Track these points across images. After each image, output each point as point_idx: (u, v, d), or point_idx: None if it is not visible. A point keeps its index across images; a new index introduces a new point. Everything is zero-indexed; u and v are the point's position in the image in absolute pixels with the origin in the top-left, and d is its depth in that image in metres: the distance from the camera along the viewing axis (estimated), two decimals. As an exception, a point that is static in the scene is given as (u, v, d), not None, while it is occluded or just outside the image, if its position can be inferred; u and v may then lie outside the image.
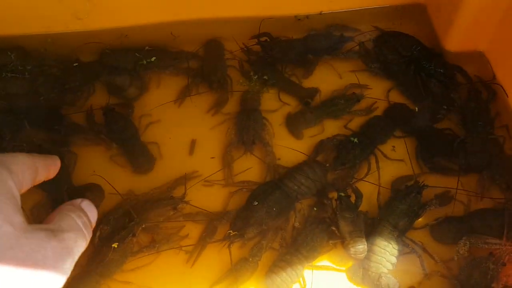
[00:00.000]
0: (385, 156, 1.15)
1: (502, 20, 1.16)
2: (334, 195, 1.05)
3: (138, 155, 1.17)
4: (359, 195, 1.04)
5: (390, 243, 0.97)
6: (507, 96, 1.17)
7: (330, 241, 1.01)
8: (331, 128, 1.21)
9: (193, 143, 1.19)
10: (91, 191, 1.05)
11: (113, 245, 0.95)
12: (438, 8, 1.29)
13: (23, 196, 0.43)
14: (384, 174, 1.12)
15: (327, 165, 1.10)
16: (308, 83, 1.28)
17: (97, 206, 1.04)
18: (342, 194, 1.01)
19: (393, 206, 1.02)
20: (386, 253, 0.96)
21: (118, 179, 1.12)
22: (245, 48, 1.30)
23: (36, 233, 0.39)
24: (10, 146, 1.11)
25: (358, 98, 1.20)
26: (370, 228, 1.01)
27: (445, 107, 1.21)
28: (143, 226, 1.00)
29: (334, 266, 1.01)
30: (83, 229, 0.44)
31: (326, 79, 1.29)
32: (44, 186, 1.08)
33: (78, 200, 0.47)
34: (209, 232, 1.04)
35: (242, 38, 1.31)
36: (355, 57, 1.29)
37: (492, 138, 1.15)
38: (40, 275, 0.37)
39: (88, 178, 1.12)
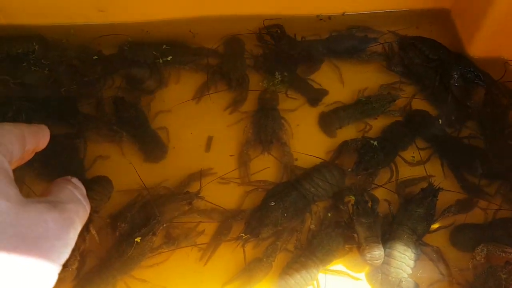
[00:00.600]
0: (406, 161, 1.13)
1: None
2: (351, 199, 1.03)
3: (150, 142, 1.17)
4: (375, 201, 1.02)
5: (409, 248, 0.96)
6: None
7: (346, 246, 0.99)
8: (352, 131, 1.20)
9: (209, 140, 1.19)
10: (99, 184, 1.05)
11: (136, 239, 0.95)
12: (463, 13, 1.27)
13: (32, 187, 0.42)
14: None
15: (349, 169, 1.09)
16: (330, 83, 1.27)
17: (106, 199, 1.05)
18: (359, 199, 0.99)
19: (410, 210, 1.01)
20: (406, 257, 0.95)
21: (130, 172, 1.13)
22: (259, 34, 1.29)
23: (35, 206, 0.37)
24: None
25: (393, 98, 1.18)
26: (388, 233, 1.00)
27: (453, 117, 1.19)
28: (164, 225, 0.99)
29: (348, 271, 1.00)
30: (83, 202, 0.43)
31: (349, 79, 1.28)
32: (56, 178, 1.08)
33: (68, 177, 0.45)
34: (224, 230, 1.03)
35: (263, 36, 1.31)
36: (378, 59, 1.28)
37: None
38: (44, 248, 0.36)
39: (99, 171, 1.12)
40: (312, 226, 1.02)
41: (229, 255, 1.01)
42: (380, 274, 0.96)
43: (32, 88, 1.21)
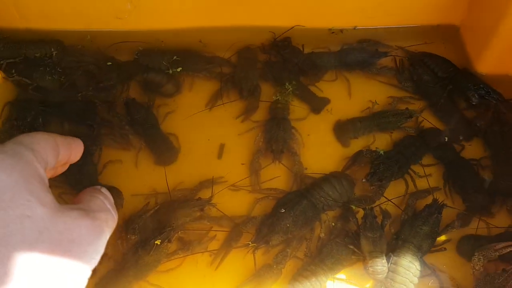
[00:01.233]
0: (416, 175, 1.15)
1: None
2: (360, 211, 1.05)
3: (160, 144, 1.19)
4: (386, 216, 1.04)
5: (414, 264, 0.97)
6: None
7: (353, 256, 1.01)
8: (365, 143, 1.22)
9: (221, 147, 1.21)
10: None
11: (155, 242, 0.97)
12: (472, 30, 1.30)
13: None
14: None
15: (363, 180, 1.11)
16: (339, 94, 1.30)
17: (118, 208, 1.06)
18: (368, 213, 1.01)
19: (416, 227, 1.02)
20: (410, 274, 0.96)
21: (143, 176, 1.15)
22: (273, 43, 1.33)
23: (69, 212, 0.38)
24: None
25: (411, 114, 1.20)
26: (393, 249, 1.02)
27: (461, 137, 1.21)
28: (179, 233, 1.01)
29: (355, 282, 1.02)
30: (112, 211, 0.44)
31: (358, 91, 1.30)
32: (71, 181, 1.11)
33: (97, 186, 0.47)
34: (234, 236, 1.05)
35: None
36: (388, 74, 1.30)
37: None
38: (77, 253, 0.37)
39: (112, 175, 1.15)
40: (322, 235, 1.04)
41: (239, 261, 1.03)
42: (384, 289, 0.98)
43: (48, 91, 1.24)
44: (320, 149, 1.21)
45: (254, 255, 1.01)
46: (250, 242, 1.02)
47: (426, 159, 1.18)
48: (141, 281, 0.97)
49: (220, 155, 1.20)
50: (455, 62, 1.32)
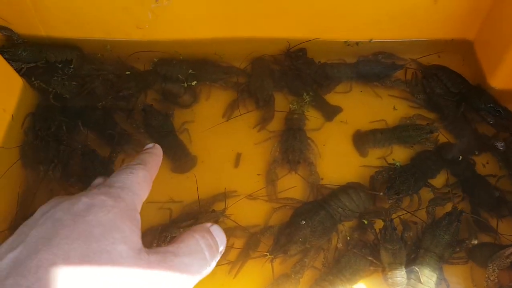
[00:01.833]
0: (434, 188, 1.16)
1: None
2: (379, 222, 1.06)
3: (177, 151, 1.20)
4: (407, 229, 1.05)
5: (435, 273, 0.98)
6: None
7: (371, 267, 1.02)
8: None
9: (238, 156, 1.23)
10: None
11: None
12: (487, 45, 1.32)
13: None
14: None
15: (381, 193, 1.12)
16: (354, 105, 1.32)
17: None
18: (388, 225, 1.02)
19: (438, 237, 1.03)
20: (432, 282, 0.97)
21: (160, 184, 1.16)
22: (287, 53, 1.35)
23: (147, 256, 0.39)
24: (66, 150, 1.15)
25: (431, 130, 1.21)
26: (415, 257, 1.03)
27: (476, 152, 1.22)
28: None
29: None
30: (205, 252, 0.43)
31: (371, 103, 1.32)
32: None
33: (208, 224, 0.46)
34: (252, 245, 1.06)
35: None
36: (401, 86, 1.32)
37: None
38: None
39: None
40: (340, 245, 1.05)
41: (257, 270, 1.03)
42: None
43: (67, 98, 1.26)
44: (335, 159, 1.22)
45: (272, 265, 1.02)
46: (267, 253, 1.03)
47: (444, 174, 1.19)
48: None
49: (236, 164, 1.22)
50: (468, 76, 1.34)
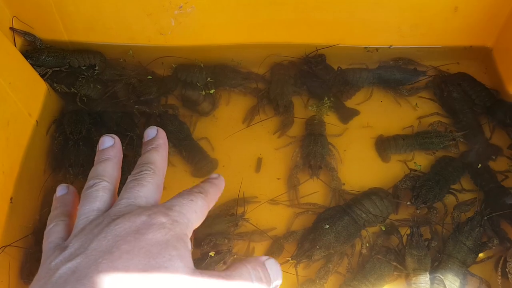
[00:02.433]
0: (457, 191, 1.17)
1: None
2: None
3: (196, 154, 1.22)
4: (435, 238, 1.06)
5: (459, 279, 0.98)
6: None
7: (395, 272, 1.02)
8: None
9: (259, 161, 1.23)
10: None
11: (210, 254, 0.99)
12: (506, 52, 1.32)
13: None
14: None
15: (408, 203, 1.12)
16: (375, 110, 1.32)
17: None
18: (415, 231, 1.03)
19: (460, 243, 1.04)
20: (455, 287, 0.97)
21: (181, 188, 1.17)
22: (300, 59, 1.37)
23: (204, 274, 0.40)
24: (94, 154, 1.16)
25: (454, 137, 1.22)
26: (439, 264, 1.03)
27: (494, 157, 1.23)
28: (235, 256, 1.03)
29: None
30: (255, 283, 0.42)
31: (391, 108, 1.33)
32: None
33: (264, 257, 0.45)
34: (276, 250, 1.06)
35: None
36: (418, 92, 1.34)
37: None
38: None
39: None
40: (364, 251, 1.05)
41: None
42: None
43: (90, 101, 1.27)
44: (357, 164, 1.23)
45: (296, 270, 1.02)
46: (289, 258, 1.03)
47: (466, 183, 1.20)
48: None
49: (258, 169, 1.22)
50: (487, 83, 1.34)
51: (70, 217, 0.48)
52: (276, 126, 1.30)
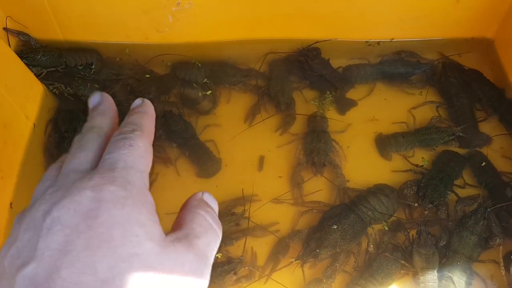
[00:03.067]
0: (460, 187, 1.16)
1: None
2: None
3: (202, 154, 1.20)
4: (443, 237, 1.05)
5: (466, 273, 0.98)
6: None
7: (402, 270, 1.02)
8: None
9: (262, 159, 1.22)
10: None
11: (216, 255, 0.98)
12: (507, 43, 1.31)
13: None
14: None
15: (415, 204, 1.11)
16: (378, 105, 1.31)
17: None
18: (422, 230, 1.02)
19: (465, 238, 1.03)
20: (462, 283, 0.97)
21: (184, 190, 1.16)
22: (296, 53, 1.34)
23: (174, 246, 0.34)
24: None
25: (453, 133, 1.21)
26: (445, 260, 1.03)
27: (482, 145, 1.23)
28: (246, 267, 1.02)
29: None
30: (215, 227, 0.39)
31: (394, 102, 1.32)
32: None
33: (199, 194, 0.41)
34: (281, 250, 1.05)
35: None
36: (420, 85, 1.32)
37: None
38: None
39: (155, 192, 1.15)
40: (370, 249, 1.04)
41: (288, 275, 1.03)
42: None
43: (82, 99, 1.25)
44: (361, 161, 1.22)
45: (303, 270, 1.01)
46: (295, 259, 1.02)
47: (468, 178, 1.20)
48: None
49: (260, 167, 1.21)
50: (489, 74, 1.33)
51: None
52: (278, 124, 1.28)
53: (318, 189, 1.16)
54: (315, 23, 1.30)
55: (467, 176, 1.20)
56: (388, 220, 1.09)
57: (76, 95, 1.22)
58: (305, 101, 1.33)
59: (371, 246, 1.04)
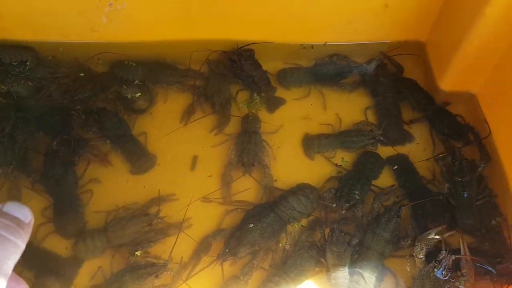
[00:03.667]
0: (380, 189, 1.20)
1: (498, 65, 1.22)
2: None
3: (136, 151, 1.22)
4: (357, 235, 1.09)
5: (378, 269, 1.03)
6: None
7: (316, 268, 1.06)
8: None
9: (195, 159, 1.25)
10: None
11: (136, 252, 1.04)
12: (437, 47, 1.35)
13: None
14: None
15: (333, 205, 1.15)
16: (314, 107, 1.35)
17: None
18: (335, 228, 1.07)
19: (378, 235, 1.08)
20: (373, 278, 1.02)
21: (117, 188, 1.19)
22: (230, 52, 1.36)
23: None
24: (22, 150, 1.16)
25: (374, 136, 1.25)
26: (357, 256, 1.07)
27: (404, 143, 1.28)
28: (169, 271, 1.05)
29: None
30: (11, 238, 0.41)
31: (332, 105, 1.36)
32: (51, 192, 1.14)
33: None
34: (204, 248, 1.09)
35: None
36: (359, 87, 1.37)
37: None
38: None
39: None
40: (287, 247, 1.09)
41: (207, 272, 1.06)
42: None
43: (22, 98, 1.25)
44: (289, 161, 1.26)
45: (222, 267, 1.05)
46: (214, 258, 1.06)
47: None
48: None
49: (193, 166, 1.24)
50: (420, 78, 1.38)
51: None
52: (213, 124, 1.31)
53: (247, 188, 1.20)
54: (251, 25, 1.32)
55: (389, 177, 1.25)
56: (307, 219, 1.13)
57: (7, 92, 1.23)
58: (240, 102, 1.36)
59: (288, 244, 1.08)
